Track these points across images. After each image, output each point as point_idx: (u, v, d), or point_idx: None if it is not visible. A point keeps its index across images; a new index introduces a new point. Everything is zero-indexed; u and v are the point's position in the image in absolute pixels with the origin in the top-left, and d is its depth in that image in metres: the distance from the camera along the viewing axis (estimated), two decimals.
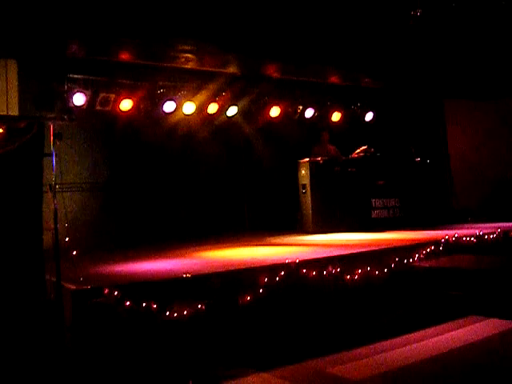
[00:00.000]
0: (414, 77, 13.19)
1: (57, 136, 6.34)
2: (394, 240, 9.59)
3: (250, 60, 11.47)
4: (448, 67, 12.53)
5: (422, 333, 6.57)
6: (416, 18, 9.63)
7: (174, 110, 11.80)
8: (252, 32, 9.79)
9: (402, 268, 7.98)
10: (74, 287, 5.76)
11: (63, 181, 6.99)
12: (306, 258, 7.34)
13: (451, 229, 10.71)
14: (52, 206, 6.30)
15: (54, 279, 5.99)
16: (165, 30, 9.43)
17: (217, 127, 12.72)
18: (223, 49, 10.46)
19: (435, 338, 6.37)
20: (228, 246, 9.81)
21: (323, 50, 10.81)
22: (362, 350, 6.01)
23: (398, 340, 6.33)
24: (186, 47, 10.45)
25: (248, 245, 10.02)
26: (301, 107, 13.60)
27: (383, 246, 8.55)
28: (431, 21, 10.01)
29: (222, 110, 12.54)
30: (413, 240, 9.23)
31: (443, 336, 6.45)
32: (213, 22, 9.30)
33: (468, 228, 10.82)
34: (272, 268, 6.85)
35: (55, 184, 6.34)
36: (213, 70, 11.90)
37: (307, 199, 11.80)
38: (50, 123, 6.49)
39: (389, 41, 10.91)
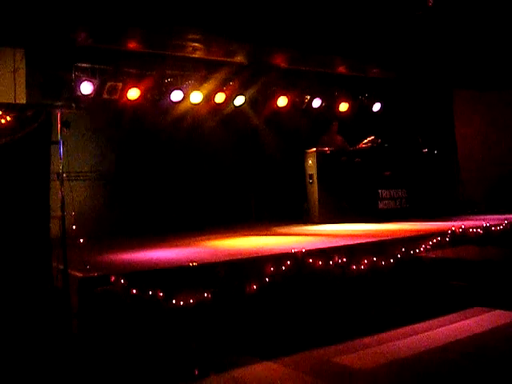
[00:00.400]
0: (423, 67, 13.13)
1: (64, 124, 6.36)
2: (400, 231, 9.59)
3: (258, 49, 11.44)
4: (457, 57, 12.46)
5: (427, 323, 6.58)
6: (427, 7, 9.59)
7: (182, 100, 11.79)
8: (260, 21, 9.75)
9: (408, 258, 7.99)
10: (81, 275, 5.80)
11: (70, 169, 7.01)
12: (313, 248, 7.35)
13: (458, 220, 10.70)
14: (59, 194, 6.33)
15: (61, 267, 6.02)
16: (172, 20, 9.40)
17: (224, 117, 12.71)
18: (231, 38, 10.43)
19: (440, 329, 6.38)
20: (234, 236, 9.83)
21: (331, 39, 10.76)
22: (368, 340, 6.02)
23: (403, 330, 6.34)
24: (194, 36, 10.43)
25: (254, 234, 10.04)
26: (308, 97, 13.56)
27: (389, 237, 8.55)
28: (441, 10, 9.96)
29: (230, 99, 12.52)
30: (419, 231, 9.23)
31: (448, 327, 6.46)
32: (220, 11, 9.27)
33: (474, 219, 10.81)
34: (278, 257, 6.87)
35: (62, 172, 6.36)
36: (220, 59, 11.87)
37: (314, 189, 11.80)
38: (57, 111, 6.50)
39: (398, 30, 10.84)
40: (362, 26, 10.41)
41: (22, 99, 9.68)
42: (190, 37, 10.45)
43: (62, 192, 6.32)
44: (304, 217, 12.08)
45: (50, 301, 5.84)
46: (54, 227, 6.22)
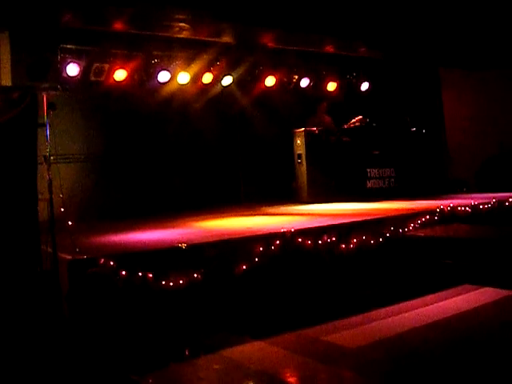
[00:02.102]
0: (410, 46, 13.11)
1: (50, 106, 6.31)
2: (388, 209, 9.62)
3: (245, 29, 11.38)
4: (444, 36, 12.45)
5: (415, 301, 6.62)
6: None
7: (169, 80, 11.71)
8: (246, 0, 9.70)
9: (397, 237, 8.02)
10: (69, 257, 5.79)
11: (58, 152, 6.95)
12: (302, 228, 7.38)
13: (446, 199, 10.75)
14: (47, 177, 6.29)
15: (50, 250, 6.01)
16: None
17: (212, 97, 12.64)
18: (217, 17, 10.36)
19: (430, 307, 6.42)
20: (223, 216, 9.83)
21: (318, 17, 10.72)
22: (357, 319, 6.06)
23: (392, 308, 6.38)
24: (181, 16, 10.35)
25: (243, 214, 10.05)
26: (296, 77, 13.51)
27: (378, 216, 8.58)
28: None
29: (217, 79, 12.45)
30: (408, 210, 9.26)
31: (438, 304, 6.50)
32: None
33: (463, 198, 10.86)
34: (267, 237, 6.89)
35: (50, 155, 6.32)
36: (207, 39, 11.80)
37: (303, 169, 11.82)
38: (43, 94, 6.44)
39: (384, 8, 10.83)
40: (348, 4, 10.37)
41: (7, 81, 9.59)
42: (177, 17, 10.38)
43: (49, 175, 6.29)
44: (293, 196, 12.09)
45: (40, 284, 5.83)
46: (42, 210, 6.20)
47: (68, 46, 10.47)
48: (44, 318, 5.62)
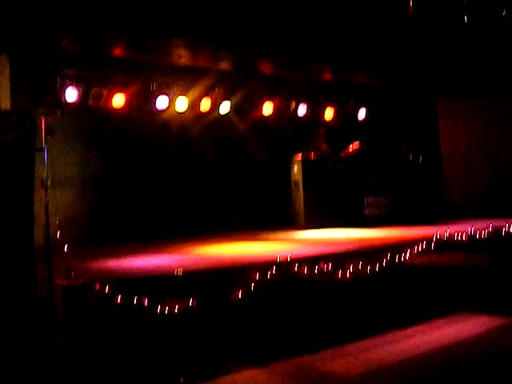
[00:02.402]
0: (408, 75, 13.21)
1: (48, 131, 6.32)
2: (385, 237, 9.62)
3: (243, 57, 11.46)
4: (440, 65, 12.56)
5: (412, 329, 6.60)
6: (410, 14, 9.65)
7: (167, 106, 11.77)
8: (245, 29, 9.78)
9: (393, 265, 8.01)
10: (65, 283, 5.76)
11: (55, 176, 6.95)
12: (298, 255, 7.36)
13: (443, 226, 10.74)
14: (43, 201, 6.29)
15: (45, 275, 5.97)
16: (158, 28, 9.41)
17: (209, 123, 12.67)
18: (216, 46, 10.45)
19: (425, 335, 6.40)
20: (220, 242, 9.81)
21: (316, 46, 10.81)
22: (354, 347, 6.03)
23: (389, 336, 6.35)
24: (179, 43, 10.43)
25: (240, 241, 10.04)
26: (294, 103, 13.59)
27: (375, 243, 8.58)
28: (425, 19, 10.04)
29: (215, 105, 12.51)
30: (404, 237, 9.27)
31: (433, 332, 6.48)
32: (206, 20, 9.29)
33: (460, 225, 10.86)
34: (263, 264, 6.87)
35: (47, 179, 6.32)
36: (206, 66, 11.89)
37: (299, 196, 11.83)
38: (41, 118, 6.46)
39: (382, 38, 10.92)
40: (346, 33, 10.46)
41: (6, 105, 9.62)
42: (176, 44, 10.45)
43: (46, 199, 6.28)
44: (289, 223, 12.09)
45: (34, 309, 5.79)
46: (39, 234, 6.18)
47: (67, 71, 10.52)
48: (38, 343, 5.57)
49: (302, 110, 13.68)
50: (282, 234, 11.01)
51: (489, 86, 13.94)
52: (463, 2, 9.65)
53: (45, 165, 6.31)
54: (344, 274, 7.33)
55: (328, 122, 14.08)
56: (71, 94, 10.54)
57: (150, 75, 11.46)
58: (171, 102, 11.73)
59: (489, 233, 9.72)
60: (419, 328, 6.65)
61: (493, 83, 13.74)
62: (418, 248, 8.53)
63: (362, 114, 14.55)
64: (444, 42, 11.30)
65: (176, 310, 5.83)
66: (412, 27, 10.30)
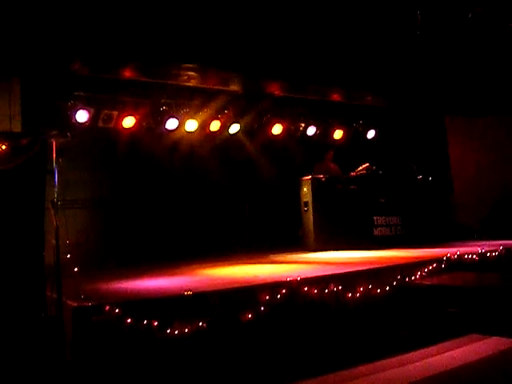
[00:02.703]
0: (415, 95, 13.24)
1: (59, 153, 6.37)
2: (395, 258, 9.57)
3: (252, 79, 11.54)
4: (449, 84, 12.58)
5: (422, 351, 6.53)
6: (417, 33, 9.70)
7: (177, 128, 11.84)
8: (254, 52, 9.85)
9: (404, 286, 7.96)
10: (75, 304, 5.76)
11: (65, 197, 7.00)
12: (308, 276, 7.33)
13: (453, 246, 10.68)
14: (54, 223, 6.31)
15: (55, 296, 5.99)
16: (167, 54, 9.51)
17: (219, 144, 12.76)
18: (225, 69, 10.53)
19: (436, 357, 6.33)
20: (230, 264, 9.79)
21: (325, 69, 10.87)
22: (363, 368, 5.97)
23: (398, 358, 6.28)
24: (189, 66, 10.51)
25: (250, 262, 10.01)
26: (303, 125, 13.64)
27: (385, 264, 8.53)
28: (432, 39, 10.08)
29: (224, 127, 12.58)
30: (414, 258, 9.21)
31: (444, 354, 6.41)
32: (215, 43, 9.38)
33: (470, 245, 10.80)
34: (273, 286, 6.84)
35: (57, 201, 6.36)
36: (215, 88, 11.97)
37: (309, 217, 11.80)
38: (52, 140, 6.51)
39: (391, 59, 10.97)
40: (355, 55, 10.52)
41: (17, 127, 9.70)
42: (186, 66, 10.54)
43: (56, 220, 6.31)
44: (299, 244, 12.06)
45: (44, 330, 5.80)
46: (49, 256, 6.21)
47: (78, 93, 10.62)
48: (47, 364, 5.57)
49: (311, 131, 13.74)
50: (291, 256, 10.97)
51: (495, 103, 13.94)
52: (468, 20, 9.68)
53: (55, 186, 6.34)
54: (354, 295, 7.30)
55: (337, 142, 14.13)
56: (82, 116, 10.65)
57: (160, 97, 11.55)
58: (181, 124, 11.80)
59: (500, 253, 9.66)
60: (429, 350, 6.57)
61: (499, 101, 13.73)
62: (428, 268, 8.48)
63: (371, 134, 14.58)
64: (452, 60, 11.33)
65: (186, 332, 5.81)
66: (419, 47, 10.33)
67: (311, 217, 11.74)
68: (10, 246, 5.94)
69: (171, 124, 11.73)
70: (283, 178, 13.02)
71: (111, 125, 11.16)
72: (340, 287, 7.23)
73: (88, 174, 11.20)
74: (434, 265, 8.61)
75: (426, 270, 8.43)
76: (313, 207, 11.74)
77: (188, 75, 11.04)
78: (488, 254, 9.49)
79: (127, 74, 10.72)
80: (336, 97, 13.59)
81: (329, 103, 13.78)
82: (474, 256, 9.30)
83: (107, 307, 5.66)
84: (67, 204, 9.03)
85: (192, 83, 11.55)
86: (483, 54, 11.29)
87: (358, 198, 12.19)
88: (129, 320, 5.63)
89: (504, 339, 6.82)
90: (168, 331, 5.75)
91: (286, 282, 6.95)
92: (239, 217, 13.14)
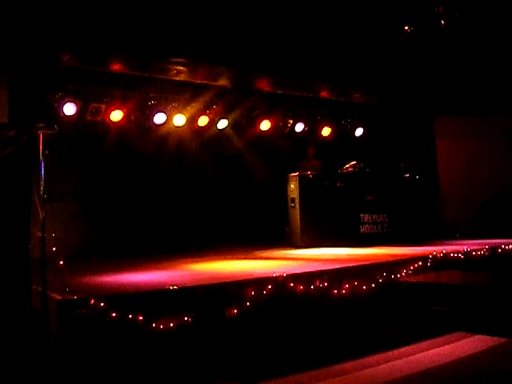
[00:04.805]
0: (405, 92, 13.26)
1: (46, 146, 6.32)
2: (382, 255, 9.60)
3: (241, 73, 11.52)
4: (438, 83, 12.62)
5: (408, 348, 6.56)
6: (406, 34, 9.73)
7: (165, 122, 11.81)
8: (243, 47, 9.84)
9: (390, 283, 7.99)
10: (59, 297, 5.73)
11: (52, 190, 6.95)
12: (294, 272, 7.34)
13: (439, 245, 10.74)
14: (40, 216, 6.27)
15: (40, 289, 5.95)
16: (156, 47, 9.48)
17: (207, 139, 12.73)
18: (214, 63, 10.51)
19: (422, 354, 6.36)
20: (215, 259, 9.78)
21: (314, 64, 10.87)
22: (348, 365, 5.99)
23: (384, 355, 6.31)
24: (178, 60, 10.48)
25: (236, 258, 10.01)
26: (291, 121, 13.63)
27: (371, 261, 8.56)
28: (421, 37, 10.11)
29: (213, 122, 12.55)
30: (401, 255, 9.24)
31: (429, 352, 6.44)
32: (204, 37, 9.35)
33: (456, 244, 10.86)
34: (259, 281, 6.85)
35: (44, 193, 6.31)
36: (204, 82, 11.93)
37: (296, 213, 11.80)
38: (39, 132, 6.46)
39: (379, 56, 10.99)
40: (344, 51, 10.53)
41: (4, 119, 9.64)
42: (174, 60, 10.50)
43: (42, 213, 6.26)
44: (286, 241, 12.06)
45: (28, 323, 5.76)
46: (34, 249, 6.16)
47: (65, 86, 10.56)
48: (32, 358, 5.54)
49: (299, 127, 13.74)
50: (277, 252, 10.99)
51: (484, 103, 13.99)
52: (457, 19, 9.72)
53: (42, 179, 6.30)
54: (340, 291, 7.32)
55: (325, 139, 14.14)
56: (69, 109, 10.59)
57: (148, 90, 11.51)
58: (169, 118, 11.77)
59: (486, 251, 9.72)
60: (415, 347, 6.61)
61: (487, 100, 13.79)
62: (414, 266, 8.52)
63: (359, 132, 14.60)
64: (441, 59, 11.36)
65: (171, 326, 5.80)
66: (409, 45, 10.36)
67: (298, 213, 11.73)
68: None
69: (159, 118, 11.70)
70: (271, 173, 13.01)
71: (99, 118, 11.11)
72: (326, 284, 7.25)
73: (75, 166, 11.15)
74: (420, 263, 8.66)
75: (411, 267, 8.47)
76: (300, 204, 11.73)
77: (177, 69, 11.00)
78: (474, 253, 9.55)
79: (116, 67, 10.65)
80: (324, 93, 13.60)
81: (317, 100, 13.78)
82: (460, 255, 9.35)
83: (92, 301, 5.63)
84: (53, 197, 8.99)
85: (181, 77, 11.51)
86: (472, 54, 11.34)
87: (345, 196, 12.20)
88: (114, 314, 5.61)
89: (489, 337, 6.86)
90: (153, 325, 5.74)
91: (273, 277, 6.95)
92: (226, 212, 13.12)
